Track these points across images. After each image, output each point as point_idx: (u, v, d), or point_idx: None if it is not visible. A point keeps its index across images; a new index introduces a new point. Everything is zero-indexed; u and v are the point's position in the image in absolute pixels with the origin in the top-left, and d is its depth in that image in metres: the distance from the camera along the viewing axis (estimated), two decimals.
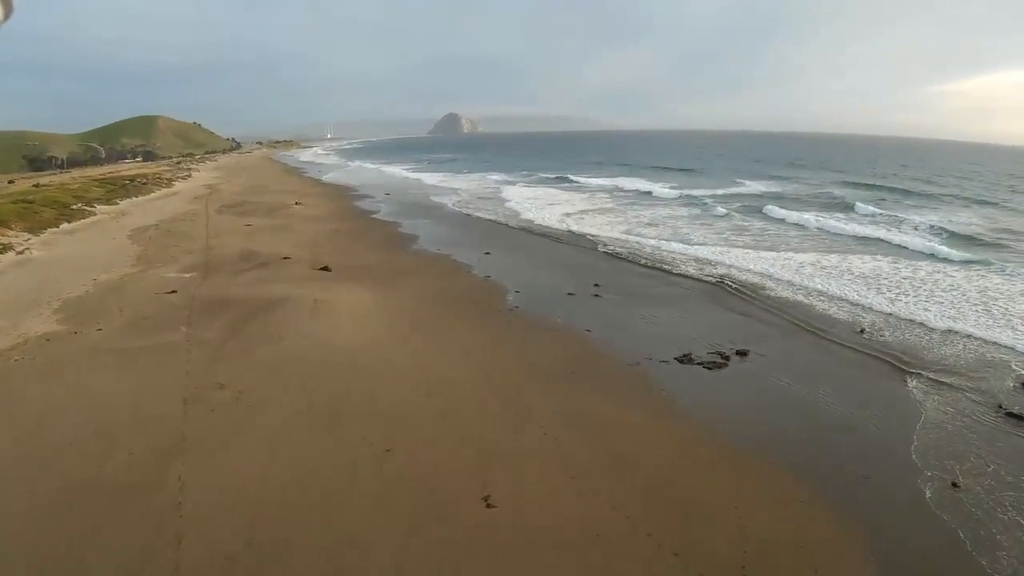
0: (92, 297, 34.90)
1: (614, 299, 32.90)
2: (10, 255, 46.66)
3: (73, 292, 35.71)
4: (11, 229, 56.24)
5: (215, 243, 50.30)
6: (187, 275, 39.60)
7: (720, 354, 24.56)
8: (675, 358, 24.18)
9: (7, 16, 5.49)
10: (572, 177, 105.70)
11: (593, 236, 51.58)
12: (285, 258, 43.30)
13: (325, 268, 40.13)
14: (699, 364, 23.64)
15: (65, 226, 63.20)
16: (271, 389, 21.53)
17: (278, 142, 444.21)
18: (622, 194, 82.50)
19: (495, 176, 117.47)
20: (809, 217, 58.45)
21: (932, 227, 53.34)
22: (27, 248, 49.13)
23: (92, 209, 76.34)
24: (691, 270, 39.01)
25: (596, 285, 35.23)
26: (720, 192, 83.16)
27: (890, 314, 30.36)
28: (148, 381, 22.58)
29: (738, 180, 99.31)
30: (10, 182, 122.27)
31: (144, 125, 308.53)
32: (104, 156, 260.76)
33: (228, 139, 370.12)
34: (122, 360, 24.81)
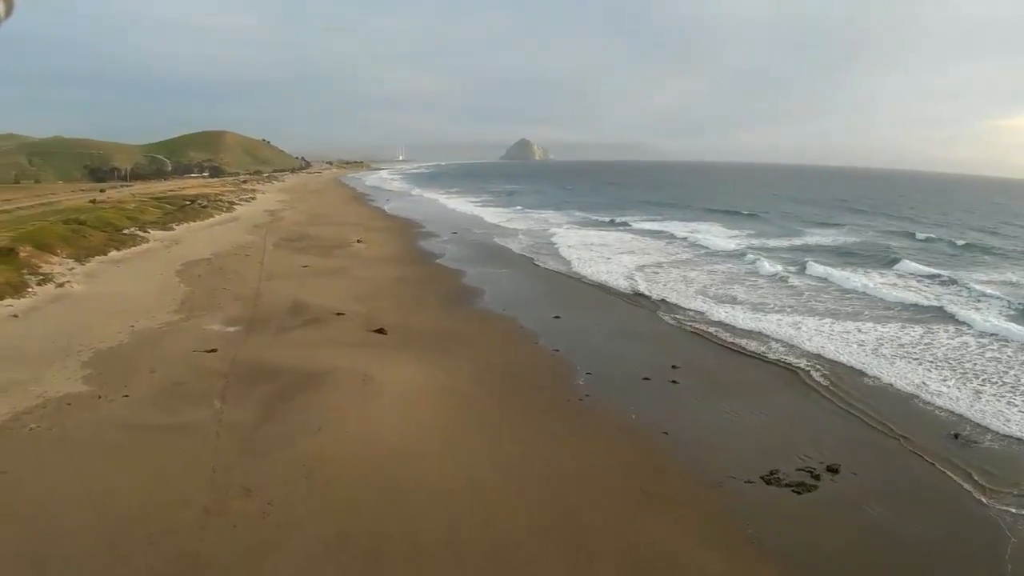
0: (125, 350, 35.16)
1: (692, 387, 31.60)
2: (49, 288, 47.55)
3: (106, 342, 35.99)
4: (56, 255, 57.59)
5: (266, 288, 50.42)
6: (231, 329, 39.62)
7: (809, 471, 23.31)
8: (761, 477, 22.83)
9: (7, 15, 5.75)
10: (639, 221, 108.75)
11: (663, 299, 50.17)
12: (339, 314, 42.90)
13: (380, 331, 39.44)
14: (787, 485, 22.33)
15: (114, 254, 64.74)
16: (303, 502, 20.69)
17: (347, 162, 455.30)
18: (686, 245, 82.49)
19: (559, 215, 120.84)
20: (879, 280, 58.26)
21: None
22: (68, 280, 49.91)
23: (145, 235, 78.23)
24: (767, 349, 38.07)
25: (674, 367, 33.97)
26: (785, 243, 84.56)
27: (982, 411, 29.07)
28: (168, 476, 22.08)
29: (802, 228, 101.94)
30: (75, 192, 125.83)
31: (211, 139, 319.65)
32: (170, 169, 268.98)
33: (297, 158, 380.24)
34: (143, 442, 24.52)
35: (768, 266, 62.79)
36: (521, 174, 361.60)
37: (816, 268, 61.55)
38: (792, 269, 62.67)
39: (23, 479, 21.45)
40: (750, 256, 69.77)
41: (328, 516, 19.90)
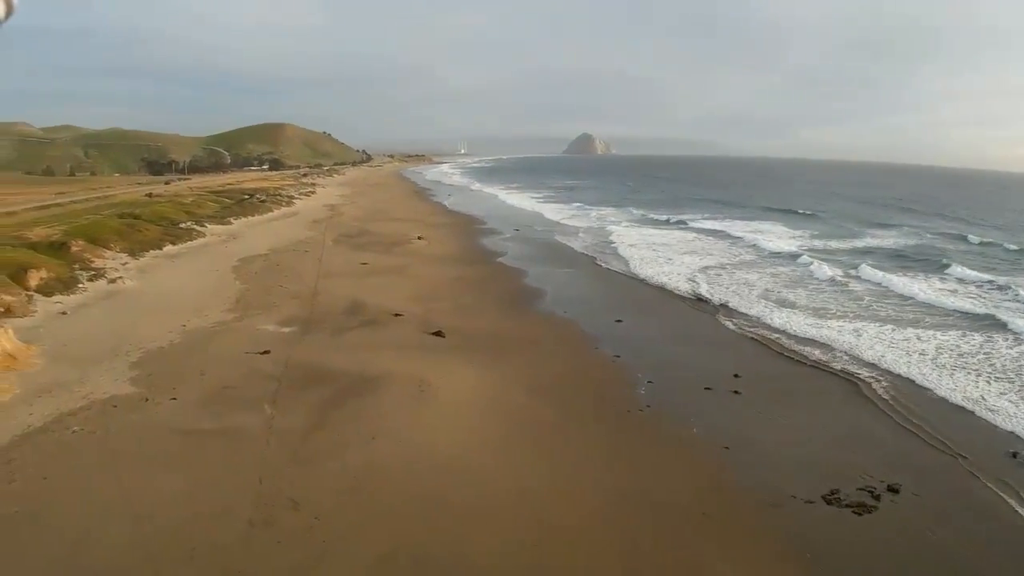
0: (176, 350, 35.25)
1: (754, 398, 31.12)
2: (101, 284, 48.09)
3: (156, 341, 36.14)
4: (110, 249, 58.28)
5: (324, 286, 50.30)
6: (285, 329, 39.46)
7: (870, 491, 22.96)
8: (822, 496, 22.46)
9: (8, 15, 5.77)
10: (700, 220, 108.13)
11: (724, 303, 49.20)
12: (397, 315, 42.52)
13: (438, 333, 39.04)
14: (847, 506, 22.01)
15: (169, 248, 65.49)
16: (351, 516, 20.19)
17: (409, 156, 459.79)
18: (746, 245, 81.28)
19: (620, 212, 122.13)
20: (938, 286, 57.73)
21: None
22: (121, 276, 50.34)
23: (202, 229, 79.11)
24: (828, 358, 37.45)
25: (736, 376, 33.55)
26: (844, 246, 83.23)
27: None
28: (214, 485, 21.78)
29: (861, 229, 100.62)
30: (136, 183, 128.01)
31: (271, 132, 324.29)
32: (229, 161, 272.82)
33: (359, 151, 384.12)
34: (189, 449, 24.32)
35: (827, 270, 62.27)
36: (582, 169, 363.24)
37: (875, 273, 61.03)
38: (851, 273, 61.66)
39: (62, 485, 21.41)
40: (809, 258, 68.84)
41: (375, 532, 19.35)
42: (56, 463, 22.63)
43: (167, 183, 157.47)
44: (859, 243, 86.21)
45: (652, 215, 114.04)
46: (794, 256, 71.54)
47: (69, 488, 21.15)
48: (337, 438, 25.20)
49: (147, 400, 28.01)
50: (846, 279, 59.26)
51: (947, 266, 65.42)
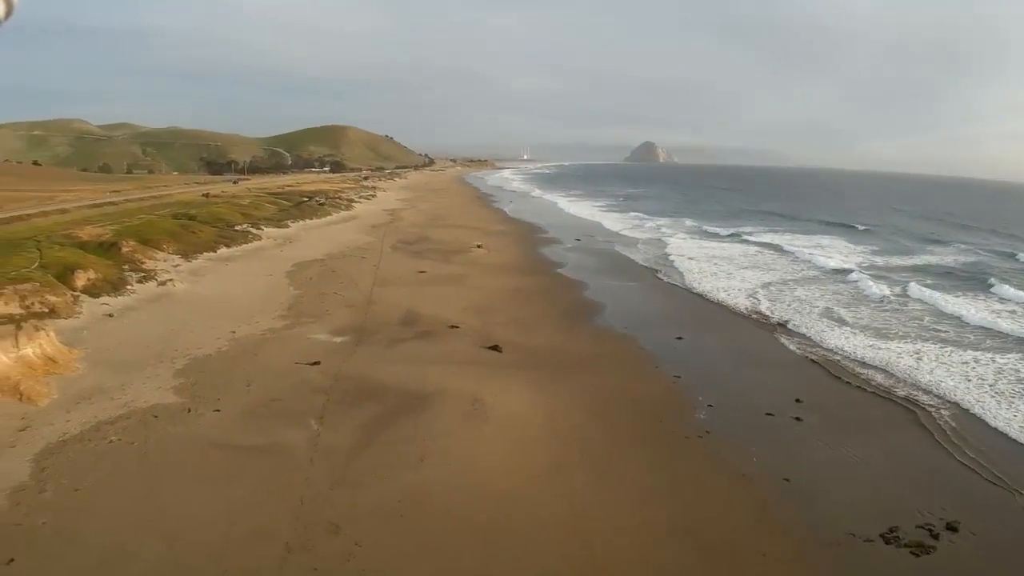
0: (223, 359, 35.43)
1: (815, 425, 30.81)
2: (150, 286, 48.57)
3: (204, 348, 36.35)
4: (162, 251, 59.13)
5: (379, 295, 50.33)
6: (338, 339, 39.43)
7: (928, 529, 22.71)
8: (880, 535, 22.02)
9: (7, 15, 5.96)
10: (759, 233, 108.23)
11: (784, 322, 48.67)
12: (453, 327, 42.28)
13: (495, 347, 38.71)
14: (905, 546, 21.69)
15: (223, 251, 66.22)
16: (394, 544, 19.85)
17: (472, 160, 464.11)
18: (805, 261, 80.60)
19: (680, 223, 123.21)
20: (997, 307, 57.56)
21: None
22: (171, 279, 50.78)
23: (258, 232, 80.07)
24: (889, 383, 37.19)
25: (797, 402, 33.37)
26: (902, 263, 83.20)
27: None
28: (252, 504, 21.55)
29: (919, 246, 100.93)
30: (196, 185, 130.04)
31: (333, 134, 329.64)
32: (290, 162, 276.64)
33: (421, 155, 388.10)
34: (230, 464, 24.20)
35: (886, 289, 62.93)
36: (644, 177, 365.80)
37: (926, 292, 61.53)
38: (910, 293, 61.11)
39: (95, 498, 21.44)
40: (866, 276, 68.50)
41: (419, 563, 18.95)
42: (90, 474, 22.73)
43: (235, 182, 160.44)
44: (914, 260, 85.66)
45: (711, 227, 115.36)
46: (851, 273, 71.25)
47: (102, 501, 21.17)
48: (384, 459, 24.88)
49: (189, 411, 28.07)
50: (902, 298, 59.11)
51: (992, 285, 65.76)
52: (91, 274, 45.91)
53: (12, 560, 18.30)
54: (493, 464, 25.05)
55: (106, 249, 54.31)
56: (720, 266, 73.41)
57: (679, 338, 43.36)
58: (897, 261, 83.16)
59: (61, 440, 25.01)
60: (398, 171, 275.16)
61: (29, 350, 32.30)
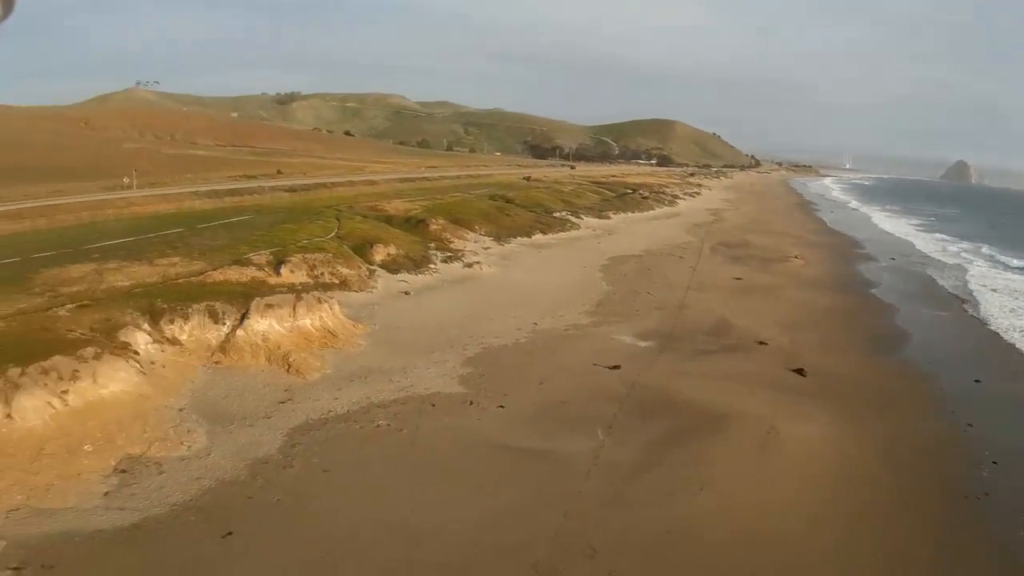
0: (519, 351, 35.27)
1: None
2: (455, 267, 49.66)
3: (501, 338, 36.60)
4: (473, 231, 60.09)
5: (692, 299, 48.43)
6: (642, 344, 38.36)
7: None
8: None
9: (7, 15, 6.33)
10: None
11: None
12: (761, 343, 39.88)
13: (799, 371, 35.97)
14: None
15: (538, 237, 67.26)
16: None
17: (797, 165, 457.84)
18: None
19: (990, 251, 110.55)
20: None
21: None
22: (479, 261, 51.55)
23: (577, 220, 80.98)
24: None
25: None
26: None
27: None
28: (512, 513, 20.72)
29: None
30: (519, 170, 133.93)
31: (660, 128, 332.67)
32: (617, 153, 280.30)
33: (747, 155, 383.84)
34: (502, 467, 23.57)
35: None
36: (953, 197, 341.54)
37: None
38: None
39: (343, 482, 21.74)
40: None
41: None
42: (345, 457, 23.10)
43: (572, 168, 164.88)
44: None
45: (1017, 260, 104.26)
46: None
47: (348, 487, 21.40)
48: (664, 483, 23.25)
49: (471, 404, 27.96)
50: None
51: None
52: (391, 249, 47.61)
53: (230, 533, 18.75)
54: (774, 503, 22.96)
55: (413, 225, 56.25)
56: None
57: (977, 381, 39.45)
58: None
59: (322, 418, 25.83)
60: (724, 170, 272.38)
61: (307, 321, 33.66)
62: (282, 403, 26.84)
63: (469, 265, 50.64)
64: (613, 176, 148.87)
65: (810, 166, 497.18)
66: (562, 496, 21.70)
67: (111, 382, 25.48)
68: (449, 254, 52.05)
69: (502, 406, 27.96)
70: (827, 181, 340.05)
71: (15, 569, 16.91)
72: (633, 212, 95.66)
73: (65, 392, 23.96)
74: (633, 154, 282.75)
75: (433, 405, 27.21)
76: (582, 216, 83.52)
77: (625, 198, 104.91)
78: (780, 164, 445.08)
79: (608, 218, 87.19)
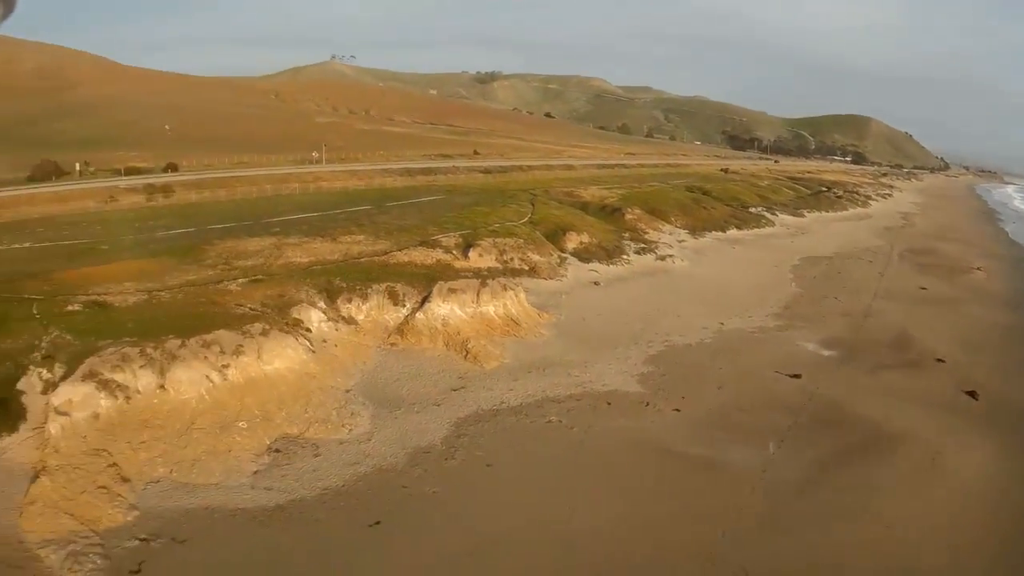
0: (703, 352, 34.24)
1: None
2: (648, 259, 49.07)
3: (686, 336, 35.62)
4: (669, 223, 59.49)
5: (877, 307, 46.14)
6: (826, 352, 36.57)
7: None
8: None
9: (7, 14, 6.44)
10: None
11: None
12: (939, 360, 37.14)
13: (972, 393, 33.07)
14: None
15: (732, 232, 65.99)
16: None
17: (982, 171, 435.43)
18: None
19: None
20: None
21: None
22: (672, 254, 51.29)
23: (771, 217, 78.68)
24: None
25: None
26: None
27: None
28: (664, 524, 20.04)
29: None
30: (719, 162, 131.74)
31: (856, 124, 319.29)
32: (813, 148, 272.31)
33: (937, 158, 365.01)
34: (666, 475, 22.74)
35: None
36: None
37: None
38: None
39: (504, 477, 21.54)
40: None
41: None
42: (510, 452, 22.73)
43: (775, 161, 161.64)
44: None
45: None
46: None
47: (510, 484, 21.07)
48: (826, 506, 22.02)
49: (647, 405, 27.17)
50: None
51: None
52: (585, 237, 47.24)
53: (378, 523, 18.75)
54: (928, 539, 21.25)
55: (608, 213, 55.82)
56: None
57: None
58: None
59: (493, 409, 25.64)
60: (914, 171, 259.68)
61: (491, 307, 33.53)
62: (455, 391, 26.79)
63: (662, 258, 49.61)
64: (809, 172, 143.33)
65: (994, 171, 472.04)
66: (723, 512, 20.76)
67: (276, 359, 26.17)
68: (643, 245, 51.10)
69: (678, 409, 27.11)
70: (1010, 189, 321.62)
71: (143, 540, 17.42)
72: (827, 211, 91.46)
73: (226, 366, 24.71)
74: (828, 150, 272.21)
75: (609, 404, 26.65)
76: (776, 212, 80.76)
77: (820, 196, 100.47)
78: (967, 168, 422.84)
79: (802, 216, 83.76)
